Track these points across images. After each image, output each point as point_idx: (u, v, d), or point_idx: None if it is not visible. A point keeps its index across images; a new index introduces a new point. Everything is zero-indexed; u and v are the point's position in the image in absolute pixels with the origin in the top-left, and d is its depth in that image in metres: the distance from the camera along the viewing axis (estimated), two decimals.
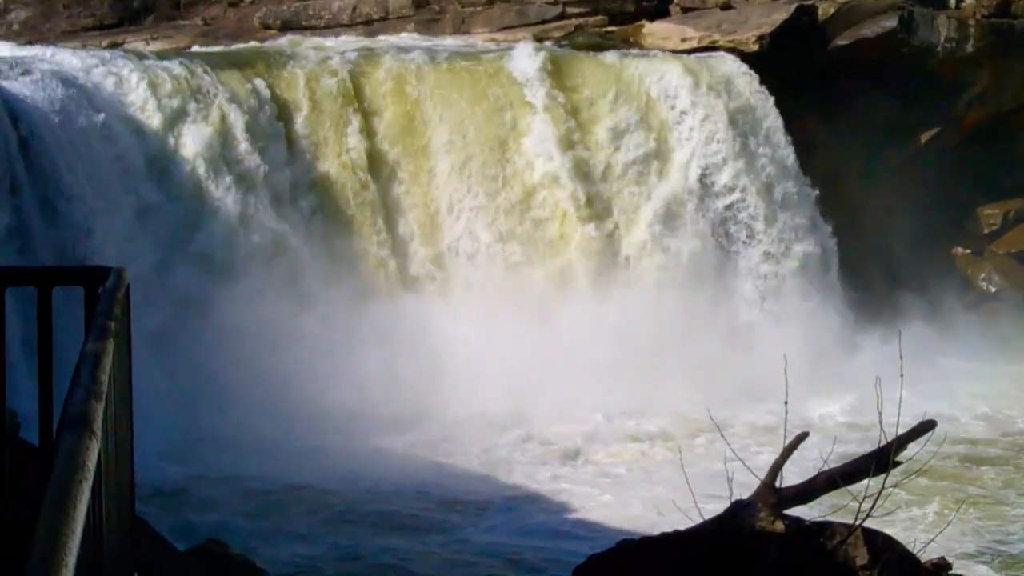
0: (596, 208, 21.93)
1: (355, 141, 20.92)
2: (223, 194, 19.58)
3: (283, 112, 20.72)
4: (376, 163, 21.11)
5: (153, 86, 19.79)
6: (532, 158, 21.78)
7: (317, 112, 20.91)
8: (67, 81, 19.20)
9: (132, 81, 19.75)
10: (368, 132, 21.13)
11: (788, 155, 23.28)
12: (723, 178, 22.79)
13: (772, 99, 23.23)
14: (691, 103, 22.79)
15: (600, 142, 22.37)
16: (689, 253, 22.07)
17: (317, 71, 21.32)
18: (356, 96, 21.28)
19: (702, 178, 22.67)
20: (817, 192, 23.32)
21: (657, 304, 20.98)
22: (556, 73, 22.49)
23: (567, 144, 21.96)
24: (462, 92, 21.86)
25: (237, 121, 20.06)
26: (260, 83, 20.75)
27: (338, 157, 20.78)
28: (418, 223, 21.08)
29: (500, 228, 21.29)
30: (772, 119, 23.24)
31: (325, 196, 20.60)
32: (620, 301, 20.83)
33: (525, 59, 22.43)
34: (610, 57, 23.25)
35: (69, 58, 20.01)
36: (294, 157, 20.56)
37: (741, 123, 23.07)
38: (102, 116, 19.14)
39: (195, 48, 24.10)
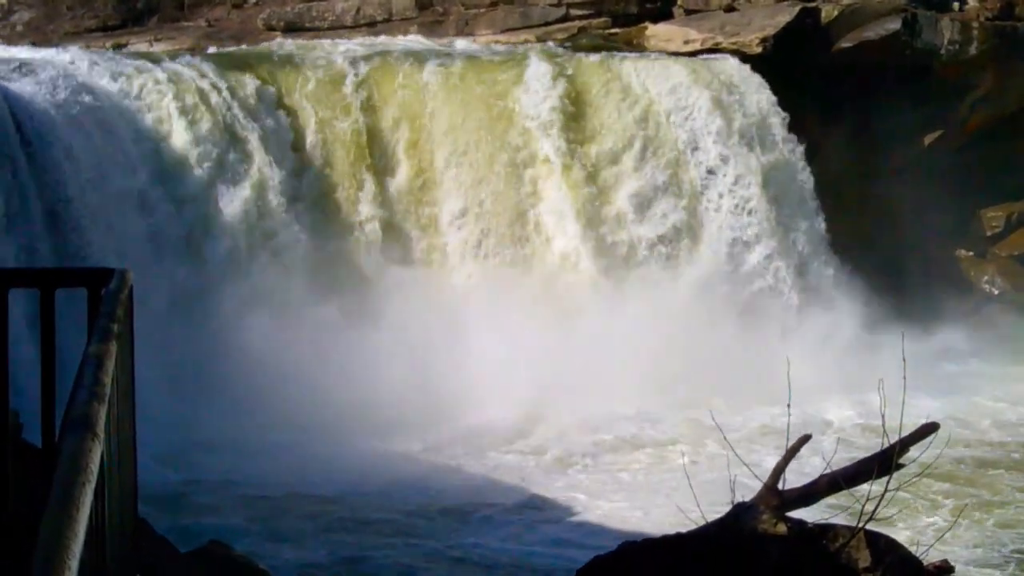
0: (619, 298, 20.28)
1: (368, 210, 20.16)
2: (262, 272, 18.80)
3: (300, 165, 20.02)
4: (390, 237, 20.18)
5: (192, 124, 19.05)
6: (551, 234, 20.49)
7: (330, 169, 20.19)
8: (104, 123, 17.79)
9: (172, 116, 18.96)
10: (382, 198, 20.30)
11: (820, 224, 22.34)
12: (754, 257, 21.42)
13: (802, 147, 22.44)
14: (721, 157, 21.55)
15: (623, 213, 20.94)
16: (717, 347, 19.87)
17: (330, 105, 20.43)
18: (368, 147, 20.43)
19: (730, 254, 21.21)
20: (850, 269, 22.38)
21: (673, 305, 20.21)
22: (576, 117, 21.20)
23: (587, 218, 20.66)
24: (480, 143, 20.74)
25: (273, 179, 19.41)
26: (283, 120, 20.14)
27: (352, 233, 20.03)
28: (435, 312, 19.67)
29: (522, 325, 19.22)
30: (804, 175, 22.39)
31: (343, 276, 19.76)
32: (636, 304, 20.17)
33: (540, 91, 21.06)
34: (634, 80, 21.80)
35: (108, 84, 18.85)
36: (313, 227, 19.81)
37: (774, 184, 21.84)
38: (143, 177, 18.10)
39: (210, 50, 23.77)
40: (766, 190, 21.81)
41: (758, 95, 22.60)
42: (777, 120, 22.52)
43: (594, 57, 22.66)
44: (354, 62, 21.42)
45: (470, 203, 20.55)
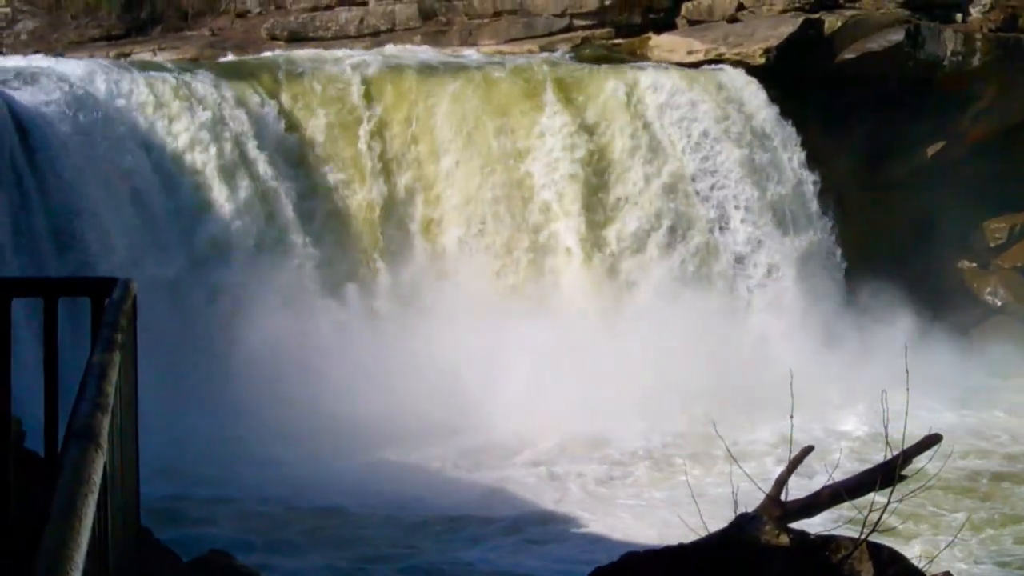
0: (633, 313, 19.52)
1: (384, 305, 19.54)
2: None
3: (318, 244, 19.38)
4: (401, 317, 19.46)
5: (232, 193, 18.35)
6: (577, 344, 19.05)
7: (342, 250, 19.61)
8: (139, 197, 16.65)
9: (212, 181, 18.30)
10: (396, 289, 19.67)
11: (844, 319, 21.49)
12: (779, 350, 19.85)
13: (832, 226, 22.00)
14: (751, 241, 20.71)
15: (649, 308, 19.79)
16: (737, 362, 19.12)
17: (342, 164, 19.74)
18: (381, 225, 19.77)
19: (757, 347, 20.03)
20: (854, 281, 21.79)
21: (683, 322, 19.64)
22: (597, 189, 20.26)
23: (609, 319, 19.63)
24: (497, 219, 20.02)
25: (308, 264, 18.84)
26: (304, 182, 19.55)
27: (365, 319, 19.43)
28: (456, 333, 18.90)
29: (533, 341, 18.40)
30: (837, 258, 21.96)
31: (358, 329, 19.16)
32: (644, 322, 19.76)
33: (556, 150, 20.19)
34: (657, 128, 20.89)
35: (146, 128, 18.11)
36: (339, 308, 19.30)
37: (805, 267, 21.16)
38: (179, 263, 17.27)
39: (225, 57, 23.53)
40: (800, 283, 21.18)
41: (789, 153, 22.29)
42: (810, 188, 22.21)
43: (613, 88, 21.79)
44: (367, 97, 20.66)
45: (481, 311, 19.44)
